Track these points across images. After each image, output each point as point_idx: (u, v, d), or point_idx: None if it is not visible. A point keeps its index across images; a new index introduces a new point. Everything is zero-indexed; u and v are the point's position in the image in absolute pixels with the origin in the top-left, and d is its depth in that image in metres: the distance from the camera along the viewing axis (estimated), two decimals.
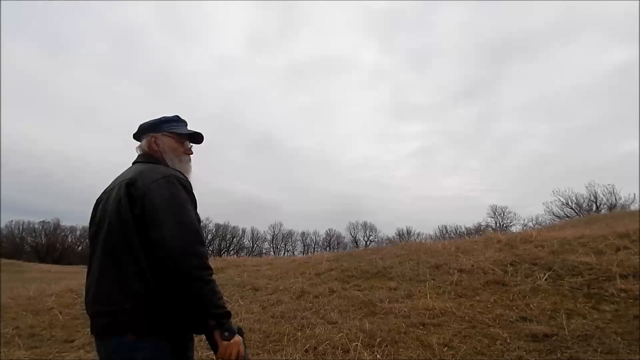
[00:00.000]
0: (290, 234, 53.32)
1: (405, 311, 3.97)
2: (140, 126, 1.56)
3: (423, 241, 9.69)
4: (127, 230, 1.25)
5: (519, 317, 3.55)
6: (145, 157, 1.50)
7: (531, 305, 3.74)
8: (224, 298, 1.33)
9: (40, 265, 26.69)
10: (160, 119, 1.56)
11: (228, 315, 1.26)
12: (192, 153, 1.59)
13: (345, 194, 76.26)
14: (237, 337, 1.26)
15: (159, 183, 1.30)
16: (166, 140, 1.52)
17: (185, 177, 1.43)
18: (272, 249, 51.43)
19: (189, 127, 1.61)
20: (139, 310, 1.20)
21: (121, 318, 1.20)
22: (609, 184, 29.73)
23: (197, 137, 1.60)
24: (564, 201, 30.86)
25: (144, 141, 1.53)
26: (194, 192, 1.41)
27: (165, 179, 1.32)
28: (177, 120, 1.58)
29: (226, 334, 1.23)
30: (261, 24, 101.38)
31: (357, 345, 3.25)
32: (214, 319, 1.22)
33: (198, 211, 1.40)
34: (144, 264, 1.22)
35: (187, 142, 1.58)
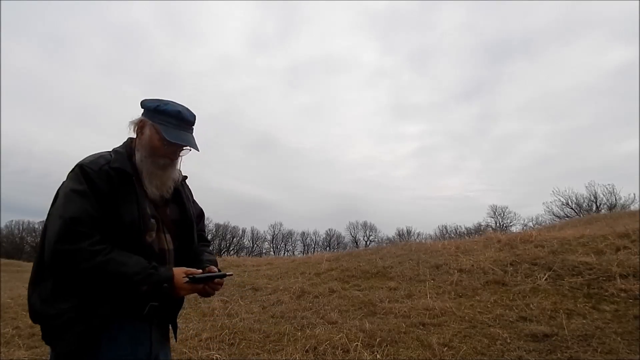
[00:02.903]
0: (290, 234, 53.33)
1: (405, 311, 3.97)
2: (142, 101, 1.35)
3: (423, 241, 9.69)
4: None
5: (519, 317, 3.55)
6: (125, 143, 1.34)
7: (531, 305, 3.74)
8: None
9: None
10: (157, 105, 1.31)
11: (151, 272, 1.15)
12: (175, 159, 1.33)
13: (345, 194, 76.32)
14: (176, 280, 1.19)
15: (69, 175, 1.22)
16: (150, 133, 1.29)
17: (96, 165, 1.20)
18: (272, 249, 51.49)
19: (194, 130, 1.37)
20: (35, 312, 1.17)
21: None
22: (609, 184, 29.73)
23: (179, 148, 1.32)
24: (564, 201, 30.78)
25: (135, 121, 1.34)
26: (115, 182, 1.20)
27: (73, 170, 1.21)
28: (177, 118, 1.30)
29: (165, 285, 1.17)
30: (261, 24, 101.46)
31: (357, 345, 3.24)
32: (142, 284, 1.14)
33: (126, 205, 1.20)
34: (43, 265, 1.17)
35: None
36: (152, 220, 1.26)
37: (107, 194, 1.17)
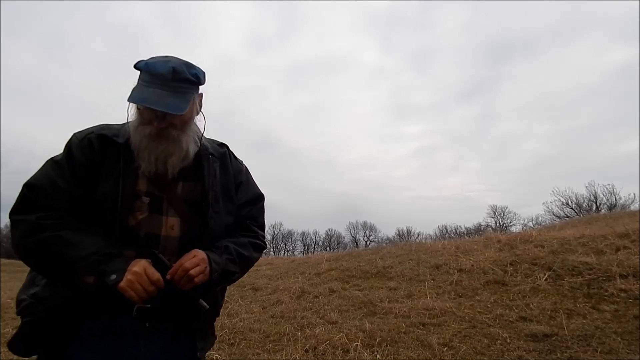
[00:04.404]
0: (290, 234, 53.39)
1: (405, 311, 3.97)
2: None
3: (423, 241, 9.68)
4: None
5: (519, 317, 3.55)
6: None
7: (531, 305, 3.74)
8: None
9: None
10: (136, 63, 1.01)
11: (99, 259, 0.91)
12: (159, 126, 1.00)
13: (345, 194, 76.41)
14: (132, 269, 0.92)
15: None
16: None
17: (82, 134, 1.04)
18: (272, 249, 51.48)
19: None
20: None
21: None
22: (609, 184, 29.85)
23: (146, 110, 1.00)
24: (564, 201, 30.90)
25: None
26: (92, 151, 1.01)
27: None
28: (148, 73, 0.98)
29: (112, 276, 0.90)
30: (261, 24, 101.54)
31: (357, 345, 3.24)
32: (85, 273, 0.91)
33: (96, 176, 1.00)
34: None
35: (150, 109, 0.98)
36: (145, 198, 1.02)
37: (85, 164, 0.99)
